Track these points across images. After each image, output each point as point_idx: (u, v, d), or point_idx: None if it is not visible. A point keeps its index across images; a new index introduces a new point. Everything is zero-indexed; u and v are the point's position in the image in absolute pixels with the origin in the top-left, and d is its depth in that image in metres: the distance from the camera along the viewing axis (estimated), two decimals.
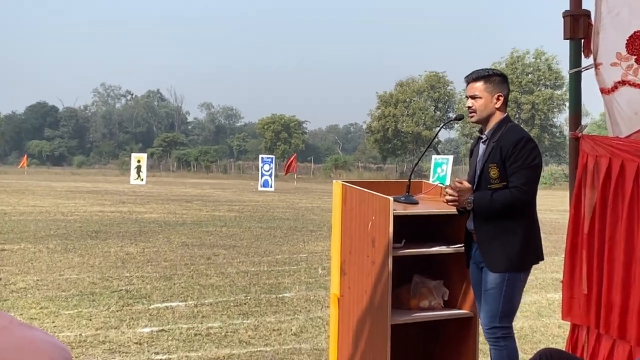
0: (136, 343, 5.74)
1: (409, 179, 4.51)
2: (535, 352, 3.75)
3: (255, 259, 10.53)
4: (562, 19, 3.93)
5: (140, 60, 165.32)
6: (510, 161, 3.79)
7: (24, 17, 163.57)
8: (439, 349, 4.72)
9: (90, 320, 6.47)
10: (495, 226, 3.85)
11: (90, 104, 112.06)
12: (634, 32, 3.60)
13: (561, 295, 3.97)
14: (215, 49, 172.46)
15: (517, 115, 55.77)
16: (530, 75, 56.86)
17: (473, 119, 3.99)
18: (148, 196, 27.36)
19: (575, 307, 3.87)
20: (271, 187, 36.23)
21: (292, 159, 41.99)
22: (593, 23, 3.79)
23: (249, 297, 7.65)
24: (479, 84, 3.94)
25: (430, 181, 5.87)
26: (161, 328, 6.23)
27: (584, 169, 3.81)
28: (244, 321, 6.57)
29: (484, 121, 3.97)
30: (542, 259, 3.98)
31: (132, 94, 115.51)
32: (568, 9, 3.92)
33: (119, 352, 5.47)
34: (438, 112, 63.86)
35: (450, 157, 33.39)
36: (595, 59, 3.78)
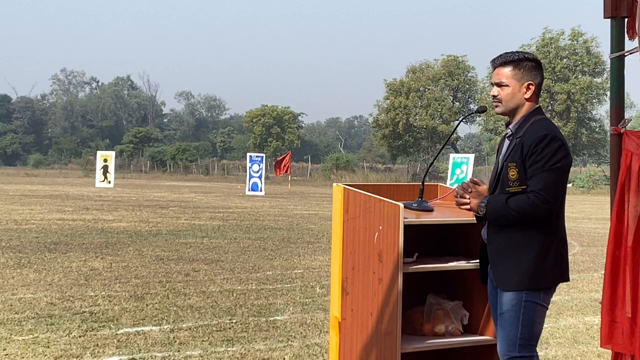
0: None
1: (422, 182, 4.51)
2: None
3: (242, 276, 10.52)
4: None
5: (108, 42, 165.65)
6: (530, 161, 3.77)
7: None
8: None
9: (48, 347, 6.45)
10: (509, 237, 3.84)
11: (48, 93, 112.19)
12: None
13: (600, 319, 3.97)
14: (196, 28, 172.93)
15: (549, 107, 55.84)
16: (565, 60, 56.92)
17: (497, 110, 3.99)
18: (116, 201, 27.34)
19: (617, 332, 3.86)
20: (261, 191, 36.24)
21: (285, 158, 42.00)
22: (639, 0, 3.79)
23: (234, 321, 7.64)
24: (507, 70, 3.94)
25: (448, 184, 5.88)
26: (131, 357, 6.21)
27: (627, 170, 3.80)
28: (229, 349, 6.56)
29: (511, 113, 3.97)
30: (566, 279, 3.96)
31: (97, 81, 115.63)
32: None
33: None
34: (457, 103, 63.96)
35: (471, 156, 33.42)
36: None
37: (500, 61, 3.97)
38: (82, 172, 62.93)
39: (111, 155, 43.53)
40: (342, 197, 4.43)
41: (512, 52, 3.99)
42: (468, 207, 3.92)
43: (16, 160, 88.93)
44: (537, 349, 3.97)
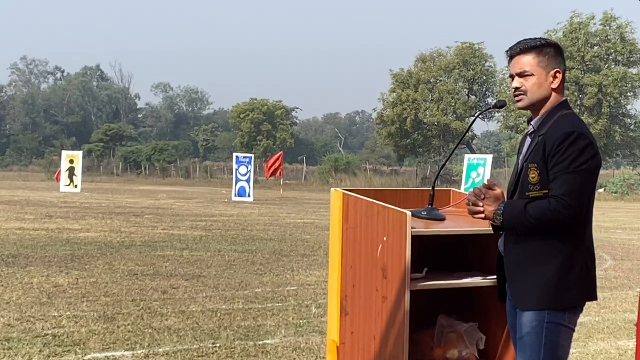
0: None
1: (433, 187, 4.52)
2: None
3: (227, 294, 10.52)
4: None
5: (74, 26, 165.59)
6: (553, 161, 3.76)
7: None
8: None
9: None
10: (528, 247, 3.83)
11: (6, 85, 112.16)
12: None
13: (636, 343, 3.97)
14: (175, 10, 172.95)
15: (578, 101, 55.96)
16: (596, 47, 57.05)
17: (522, 104, 3.96)
18: (84, 208, 27.32)
19: None
20: (249, 196, 36.23)
21: (277, 158, 42.00)
22: None
23: (218, 345, 7.64)
24: (529, 57, 3.93)
25: (462, 189, 5.89)
26: None
27: None
28: None
29: (536, 107, 3.96)
30: (594, 297, 3.96)
31: (62, 71, 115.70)
32: None
33: None
34: (473, 97, 64.08)
35: (489, 157, 33.46)
36: None
37: (520, 48, 3.96)
38: (45, 174, 62.87)
39: (78, 155, 43.50)
40: (341, 204, 4.44)
41: (530, 39, 3.99)
42: (482, 215, 3.91)
43: None
44: None
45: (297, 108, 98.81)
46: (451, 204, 4.76)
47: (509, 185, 4.01)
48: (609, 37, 57.11)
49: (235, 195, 36.39)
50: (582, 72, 55.95)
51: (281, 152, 46.90)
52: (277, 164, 40.74)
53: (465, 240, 4.70)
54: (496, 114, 59.88)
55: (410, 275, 4.10)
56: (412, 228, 4.09)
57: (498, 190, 3.90)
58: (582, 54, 55.90)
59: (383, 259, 4.18)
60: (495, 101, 4.70)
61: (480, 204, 3.89)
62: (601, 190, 50.19)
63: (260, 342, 7.81)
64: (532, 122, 3.98)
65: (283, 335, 8.14)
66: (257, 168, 53.50)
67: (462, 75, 63.20)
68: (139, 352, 7.30)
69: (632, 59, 57.01)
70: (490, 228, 4.05)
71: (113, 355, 7.15)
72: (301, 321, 8.85)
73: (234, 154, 40.56)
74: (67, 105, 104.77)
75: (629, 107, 58.80)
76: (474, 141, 76.51)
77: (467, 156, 34.78)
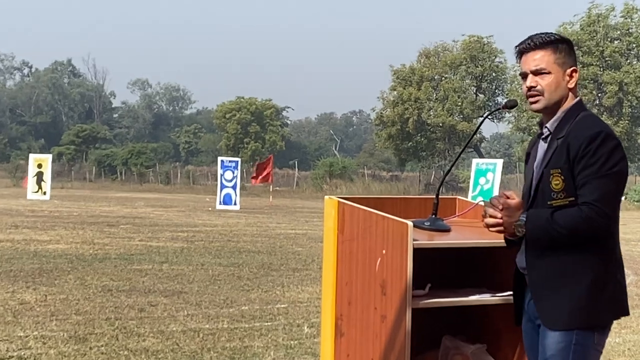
0: None
1: (437, 194, 4.52)
2: None
3: (210, 312, 10.51)
4: None
5: (43, 18, 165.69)
6: (580, 166, 3.76)
7: None
8: None
9: None
10: (555, 262, 3.82)
11: None
12: None
13: None
14: (153, 1, 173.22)
15: (596, 101, 56.14)
16: (616, 42, 57.26)
17: (538, 105, 3.94)
18: (53, 217, 27.28)
19: None
20: (235, 204, 36.23)
21: (266, 163, 42.03)
22: None
23: None
24: (545, 54, 3.92)
25: (469, 197, 5.89)
26: None
27: None
28: None
29: (553, 108, 3.96)
30: (626, 312, 3.97)
31: (30, 67, 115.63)
32: None
33: None
34: (481, 96, 64.20)
35: (499, 162, 33.51)
36: None
37: (533, 43, 3.95)
38: (11, 180, 62.76)
39: (47, 159, 43.46)
40: (336, 213, 4.44)
41: (543, 33, 3.99)
42: (501, 227, 3.87)
43: None
44: None
45: (288, 107, 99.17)
46: (457, 214, 4.77)
47: (524, 195, 3.98)
48: (630, 30, 57.29)
49: (220, 203, 36.38)
50: (601, 69, 56.11)
51: (271, 155, 46.93)
52: (267, 170, 40.79)
53: (472, 254, 4.70)
54: (507, 115, 59.99)
55: (412, 292, 4.10)
56: (414, 240, 4.10)
57: (517, 200, 3.85)
58: (601, 49, 56.03)
59: (382, 274, 4.18)
60: (505, 100, 4.71)
61: (499, 215, 3.83)
62: (622, 198, 50.19)
63: None
64: (547, 125, 3.97)
65: (272, 357, 8.15)
66: (244, 173, 53.50)
67: (470, 72, 63.34)
68: None
69: None
70: (504, 241, 4.03)
71: None
72: (292, 342, 8.85)
73: (219, 158, 40.60)
74: (35, 104, 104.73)
75: None
76: (483, 144, 76.62)
77: (475, 161, 34.82)
